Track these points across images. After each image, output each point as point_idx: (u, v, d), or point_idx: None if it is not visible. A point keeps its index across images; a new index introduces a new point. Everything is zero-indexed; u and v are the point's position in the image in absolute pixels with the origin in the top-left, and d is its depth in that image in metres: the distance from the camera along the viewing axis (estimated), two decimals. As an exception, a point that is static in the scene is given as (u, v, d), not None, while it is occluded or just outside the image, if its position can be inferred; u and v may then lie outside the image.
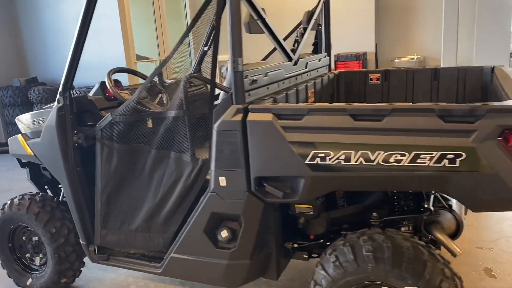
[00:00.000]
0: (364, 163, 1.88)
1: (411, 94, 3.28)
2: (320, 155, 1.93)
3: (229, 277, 2.36)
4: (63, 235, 2.88)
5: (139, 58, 7.54)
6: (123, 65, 7.03)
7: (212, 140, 2.16)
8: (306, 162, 1.96)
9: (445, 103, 1.80)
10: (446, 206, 2.41)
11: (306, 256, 2.55)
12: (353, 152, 1.89)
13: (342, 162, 1.91)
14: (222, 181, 2.18)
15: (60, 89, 2.60)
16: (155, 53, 8.04)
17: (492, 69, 2.98)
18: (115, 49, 6.94)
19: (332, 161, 1.92)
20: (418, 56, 7.65)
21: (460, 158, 1.77)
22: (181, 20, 8.72)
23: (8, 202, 2.98)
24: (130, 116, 2.39)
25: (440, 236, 2.31)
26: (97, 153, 2.52)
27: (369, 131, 1.87)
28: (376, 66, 7.77)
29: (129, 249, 2.71)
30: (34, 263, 3.11)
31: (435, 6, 7.17)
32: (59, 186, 3.17)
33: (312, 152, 1.95)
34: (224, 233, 2.29)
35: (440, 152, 1.79)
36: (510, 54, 5.90)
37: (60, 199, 3.05)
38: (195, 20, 2.21)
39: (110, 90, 2.66)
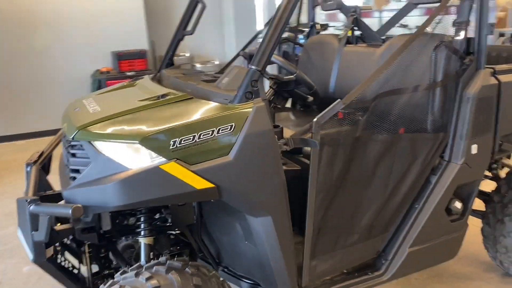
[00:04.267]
0: None
1: None
2: None
3: (455, 249, 2.32)
4: None
5: None
6: None
7: (466, 108, 2.08)
8: None
9: None
10: None
11: None
12: None
13: None
14: (474, 149, 2.14)
15: (255, 68, 1.70)
16: None
17: None
18: None
19: None
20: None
21: None
22: None
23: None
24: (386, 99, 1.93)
25: None
26: (314, 159, 1.84)
27: None
28: (155, 64, 7.48)
29: (332, 274, 2.10)
30: None
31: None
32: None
33: None
34: (459, 204, 2.23)
35: None
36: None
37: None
38: None
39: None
